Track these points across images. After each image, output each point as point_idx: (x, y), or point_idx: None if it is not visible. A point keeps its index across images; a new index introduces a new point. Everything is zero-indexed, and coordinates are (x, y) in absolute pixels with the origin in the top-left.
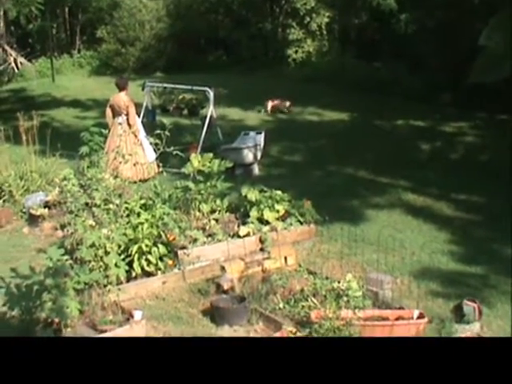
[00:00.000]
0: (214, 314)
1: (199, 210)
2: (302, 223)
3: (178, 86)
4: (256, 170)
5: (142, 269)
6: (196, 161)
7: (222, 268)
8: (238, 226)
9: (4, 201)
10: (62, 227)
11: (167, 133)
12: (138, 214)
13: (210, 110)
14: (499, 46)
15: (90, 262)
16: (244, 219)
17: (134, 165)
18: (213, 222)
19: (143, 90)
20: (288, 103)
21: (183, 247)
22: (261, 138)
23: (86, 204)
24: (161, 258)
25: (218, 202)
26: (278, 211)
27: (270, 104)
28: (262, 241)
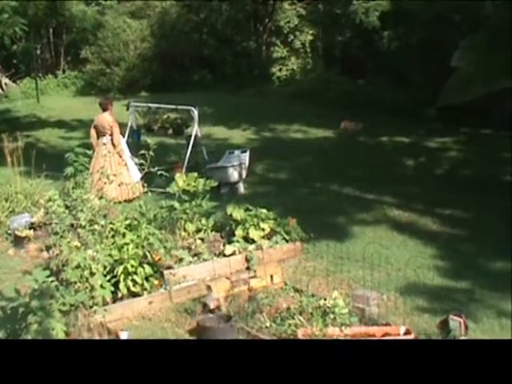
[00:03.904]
0: (201, 334)
1: (185, 230)
2: (287, 241)
3: (162, 106)
4: (241, 188)
5: (128, 289)
6: (181, 180)
7: (208, 287)
8: (224, 245)
9: None
10: (48, 248)
11: (152, 153)
12: (124, 235)
13: (195, 129)
14: (469, 66)
15: (75, 283)
16: (229, 238)
17: (119, 185)
18: (198, 242)
19: (128, 109)
20: (360, 126)
21: (169, 267)
22: (246, 157)
23: (72, 225)
24: (147, 279)
25: (204, 221)
26: (263, 230)
27: (343, 124)
28: (247, 259)
